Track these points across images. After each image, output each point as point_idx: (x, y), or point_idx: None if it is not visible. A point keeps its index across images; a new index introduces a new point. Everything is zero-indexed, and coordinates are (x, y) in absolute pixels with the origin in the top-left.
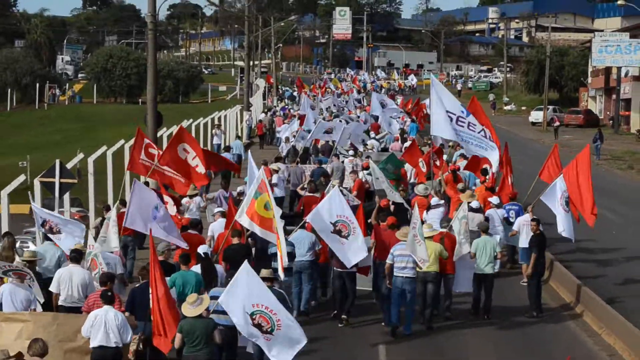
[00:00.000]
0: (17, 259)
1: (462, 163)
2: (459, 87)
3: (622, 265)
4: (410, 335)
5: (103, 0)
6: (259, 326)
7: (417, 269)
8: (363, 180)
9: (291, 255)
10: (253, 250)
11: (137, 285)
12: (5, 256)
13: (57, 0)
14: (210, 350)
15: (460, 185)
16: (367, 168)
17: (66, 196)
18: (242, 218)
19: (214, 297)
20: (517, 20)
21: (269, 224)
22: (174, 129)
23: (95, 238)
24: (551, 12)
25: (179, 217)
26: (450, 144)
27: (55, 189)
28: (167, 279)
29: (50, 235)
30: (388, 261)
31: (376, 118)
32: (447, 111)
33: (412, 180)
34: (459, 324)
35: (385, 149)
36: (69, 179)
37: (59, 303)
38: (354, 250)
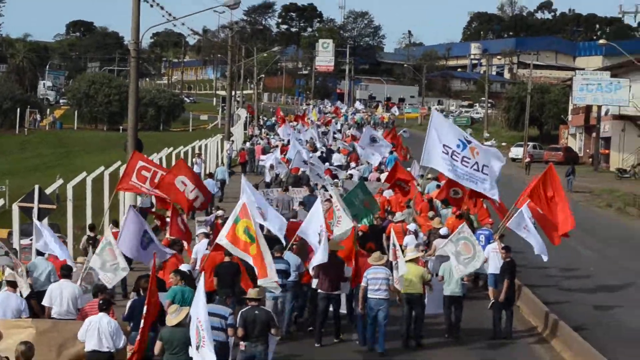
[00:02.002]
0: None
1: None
2: None
3: (591, 295)
4: (384, 354)
5: (86, 26)
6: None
7: (403, 291)
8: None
9: (286, 273)
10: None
11: (137, 297)
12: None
13: (40, 25)
14: (188, 357)
15: (430, 214)
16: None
17: (45, 221)
18: (222, 240)
19: (212, 314)
20: (499, 57)
21: (244, 248)
22: (154, 157)
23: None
24: (533, 49)
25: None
26: (429, 176)
27: (33, 214)
28: (166, 293)
29: (45, 251)
30: (362, 284)
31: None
32: (444, 145)
33: (387, 208)
34: (432, 344)
35: (364, 179)
36: (47, 205)
37: (52, 316)
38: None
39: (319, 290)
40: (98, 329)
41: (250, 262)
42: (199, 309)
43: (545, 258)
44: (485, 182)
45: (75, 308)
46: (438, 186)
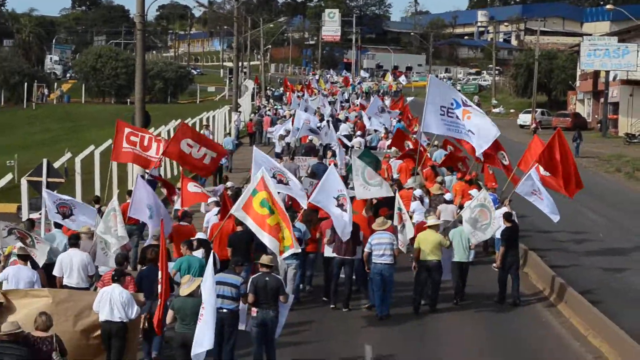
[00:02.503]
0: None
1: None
2: None
3: (599, 259)
4: (389, 317)
5: (92, 0)
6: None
7: (421, 258)
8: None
9: (300, 241)
10: None
11: (144, 267)
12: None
13: (46, 0)
14: None
15: (439, 179)
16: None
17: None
18: (238, 212)
19: (220, 282)
20: (506, 24)
21: (261, 221)
22: (162, 129)
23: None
24: (540, 16)
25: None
26: (436, 143)
27: (42, 188)
28: (173, 262)
29: (61, 221)
30: (366, 250)
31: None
32: (441, 106)
33: (395, 176)
34: (440, 309)
35: (373, 147)
36: (56, 178)
37: (64, 284)
38: (348, 224)
39: (335, 255)
40: (110, 300)
41: (263, 237)
42: (206, 281)
43: (556, 219)
44: (471, 139)
45: (86, 276)
46: (445, 154)
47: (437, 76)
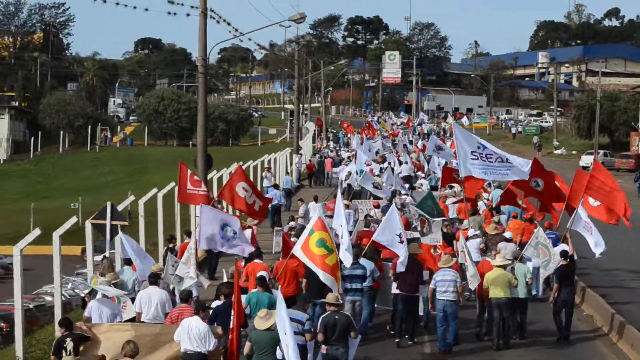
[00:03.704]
0: (103, 278)
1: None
2: (513, 130)
3: None
4: (450, 347)
5: (154, 44)
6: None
7: (491, 296)
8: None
9: (363, 278)
10: None
11: (220, 303)
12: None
13: (109, 44)
14: (275, 359)
15: (495, 218)
16: (377, 207)
17: (117, 238)
18: (297, 251)
19: (293, 320)
20: (567, 65)
21: (317, 260)
22: (224, 172)
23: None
24: (601, 57)
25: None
26: (497, 183)
27: (106, 230)
28: (243, 297)
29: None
30: (431, 286)
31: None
32: (472, 152)
33: (454, 215)
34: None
35: (433, 188)
36: (119, 221)
37: (142, 320)
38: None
39: (399, 292)
40: (188, 331)
41: (319, 273)
42: (281, 315)
43: (600, 251)
44: (513, 168)
45: (163, 313)
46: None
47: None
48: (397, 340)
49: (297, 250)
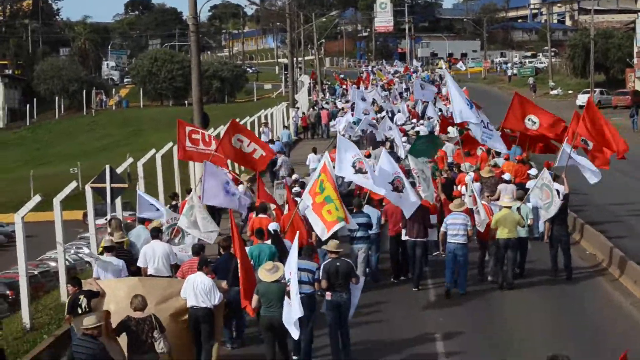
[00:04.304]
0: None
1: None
2: (509, 72)
3: None
4: (463, 295)
5: (144, 4)
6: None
7: (499, 236)
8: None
9: (368, 225)
10: None
11: (220, 256)
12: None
13: (99, 7)
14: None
15: (492, 161)
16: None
17: (118, 200)
18: (306, 195)
19: (301, 269)
20: (559, 5)
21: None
22: (221, 129)
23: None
24: None
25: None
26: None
27: (106, 194)
28: (246, 249)
29: (152, 216)
30: (442, 229)
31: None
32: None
33: (450, 160)
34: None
35: (432, 133)
36: (119, 184)
37: (148, 273)
38: (410, 203)
39: (407, 238)
40: (193, 287)
41: (312, 218)
42: (291, 265)
43: (594, 180)
44: (493, 137)
45: (168, 265)
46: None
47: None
48: (414, 287)
49: (306, 195)
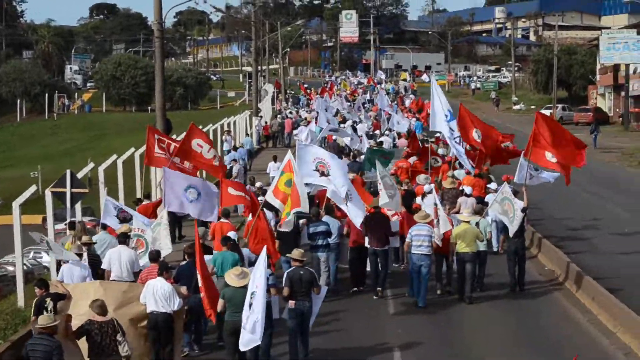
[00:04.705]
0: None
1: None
2: (472, 86)
3: (615, 247)
4: (424, 308)
5: (109, 9)
6: (250, 305)
7: (458, 250)
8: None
9: (327, 234)
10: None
11: (183, 262)
12: (79, 237)
13: (64, 10)
14: None
15: (449, 173)
16: None
17: (78, 205)
18: (269, 197)
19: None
20: (523, 20)
21: (284, 198)
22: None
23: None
24: (557, 10)
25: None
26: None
27: (66, 198)
28: (209, 257)
29: (117, 225)
30: (407, 240)
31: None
32: (448, 110)
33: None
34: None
35: (395, 146)
36: (80, 189)
37: (111, 279)
38: (357, 214)
39: (368, 247)
40: (153, 292)
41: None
42: (257, 277)
43: (552, 179)
44: (462, 155)
45: (132, 271)
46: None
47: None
48: (375, 296)
49: (269, 196)
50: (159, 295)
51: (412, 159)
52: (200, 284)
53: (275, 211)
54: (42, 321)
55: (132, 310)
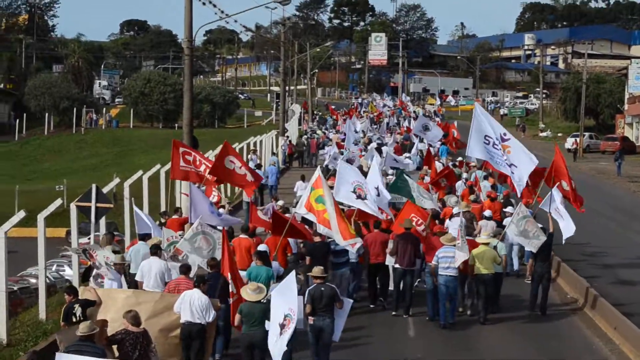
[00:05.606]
0: (109, 258)
1: (485, 182)
2: (501, 112)
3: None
4: (441, 326)
5: (140, 25)
6: (282, 326)
7: (477, 272)
8: None
9: (346, 251)
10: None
11: (208, 274)
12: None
13: (95, 25)
14: (265, 330)
15: (472, 197)
16: None
17: (102, 220)
18: (300, 209)
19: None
20: (553, 47)
21: (321, 215)
22: (210, 154)
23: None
24: (587, 39)
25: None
26: (473, 163)
27: (91, 213)
28: (244, 272)
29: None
30: (433, 262)
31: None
32: (486, 136)
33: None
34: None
35: (419, 168)
36: (105, 204)
37: (143, 288)
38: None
39: (397, 266)
40: (189, 303)
41: (319, 227)
42: (290, 298)
43: (567, 235)
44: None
45: (163, 282)
46: (485, 176)
47: (484, 100)
48: (393, 313)
49: (300, 209)
50: (195, 307)
51: (425, 180)
52: (232, 289)
53: (309, 223)
54: (84, 329)
55: (163, 321)
